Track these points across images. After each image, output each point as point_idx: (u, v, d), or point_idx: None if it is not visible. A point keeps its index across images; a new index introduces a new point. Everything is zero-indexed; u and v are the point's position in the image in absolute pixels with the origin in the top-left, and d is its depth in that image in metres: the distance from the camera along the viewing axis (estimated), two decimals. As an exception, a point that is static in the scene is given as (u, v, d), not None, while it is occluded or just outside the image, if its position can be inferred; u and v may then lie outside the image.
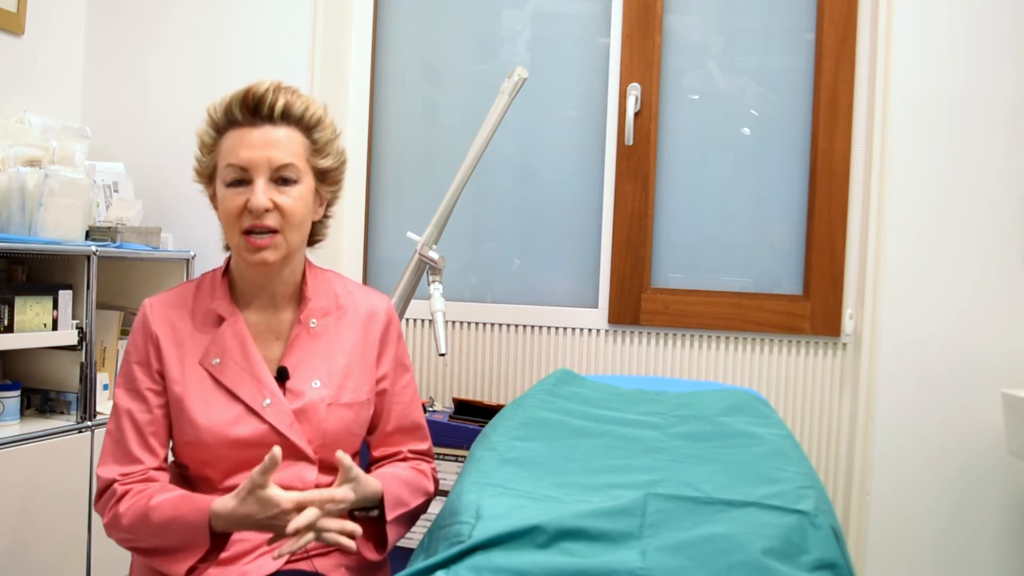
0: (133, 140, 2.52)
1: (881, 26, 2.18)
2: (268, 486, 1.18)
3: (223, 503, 1.21)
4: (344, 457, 1.25)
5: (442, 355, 1.86)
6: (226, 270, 1.39)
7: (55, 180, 1.99)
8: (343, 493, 1.24)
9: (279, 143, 1.28)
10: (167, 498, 1.24)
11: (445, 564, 1.04)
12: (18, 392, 1.97)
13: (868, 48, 2.26)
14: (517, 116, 2.45)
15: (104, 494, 1.30)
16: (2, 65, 2.27)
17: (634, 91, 2.37)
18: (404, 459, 1.46)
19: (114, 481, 1.29)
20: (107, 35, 2.54)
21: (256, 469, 1.18)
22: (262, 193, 1.25)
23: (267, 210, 1.26)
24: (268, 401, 1.30)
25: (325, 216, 1.42)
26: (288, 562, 1.28)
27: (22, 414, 1.99)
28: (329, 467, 1.34)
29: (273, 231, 1.27)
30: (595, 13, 2.49)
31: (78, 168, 2.11)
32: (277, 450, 1.17)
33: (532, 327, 2.47)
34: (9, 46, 2.29)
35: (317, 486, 1.32)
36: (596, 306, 2.46)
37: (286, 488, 1.27)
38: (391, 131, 2.64)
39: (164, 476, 1.32)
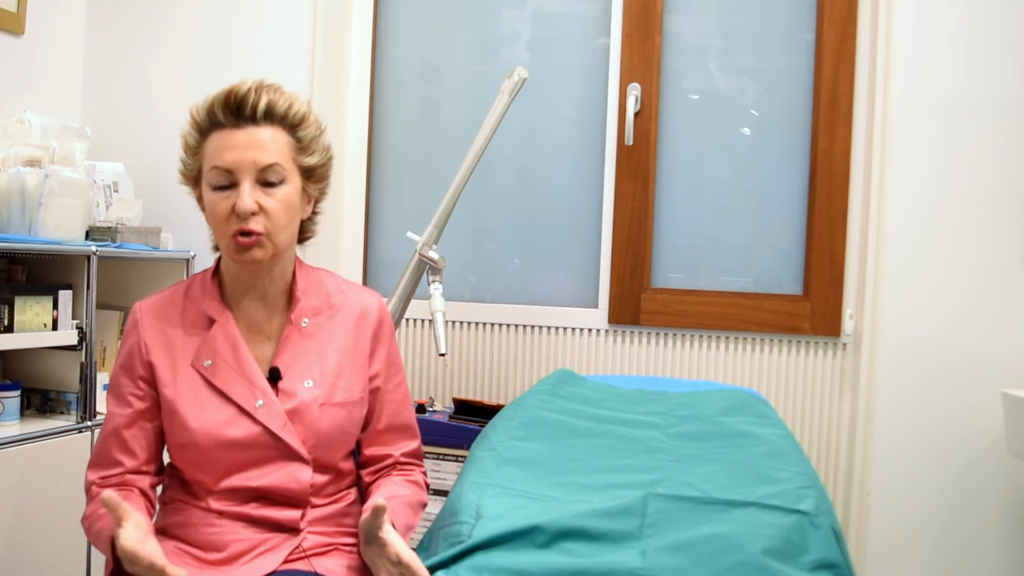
0: (133, 140, 2.52)
1: (881, 26, 2.18)
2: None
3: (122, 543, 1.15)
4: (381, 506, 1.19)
5: (442, 355, 1.86)
6: (215, 271, 1.39)
7: (55, 180, 1.99)
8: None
9: (263, 143, 1.27)
10: (104, 513, 1.23)
11: (445, 564, 1.04)
12: (18, 392, 1.96)
13: (868, 48, 2.26)
14: (517, 116, 2.45)
15: (87, 497, 1.34)
16: (2, 65, 2.27)
17: (634, 91, 2.37)
18: (396, 464, 1.44)
19: (92, 484, 1.32)
20: (107, 35, 2.54)
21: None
22: (248, 196, 1.25)
23: (253, 213, 1.25)
24: (260, 402, 1.30)
25: (314, 213, 1.41)
26: (286, 561, 1.28)
27: (22, 414, 1.99)
28: (323, 466, 1.34)
29: (259, 234, 1.27)
30: (595, 13, 2.49)
31: (78, 168, 2.11)
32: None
33: (532, 327, 2.47)
34: (9, 46, 2.29)
35: (312, 486, 1.31)
36: (596, 306, 2.46)
37: (281, 491, 1.29)
38: (391, 131, 2.64)
39: (143, 480, 1.33)
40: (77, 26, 2.53)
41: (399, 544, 1.17)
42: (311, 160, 1.33)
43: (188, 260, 2.37)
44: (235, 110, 1.27)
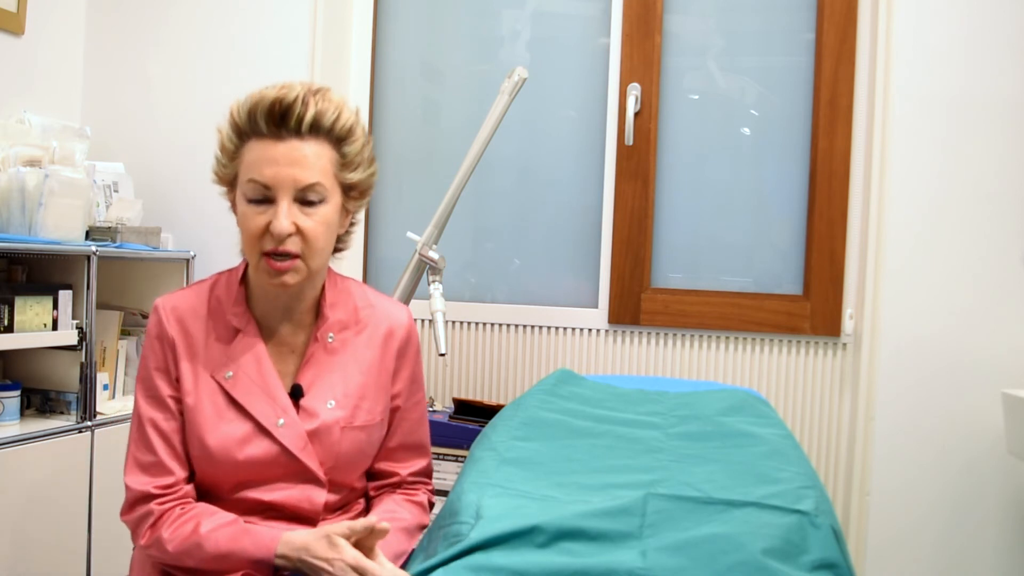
0: (133, 140, 2.52)
1: (881, 26, 2.18)
2: (341, 535, 1.15)
3: (291, 536, 1.18)
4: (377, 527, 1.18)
5: (442, 355, 1.86)
6: (242, 275, 1.33)
7: (55, 180, 1.99)
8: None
9: (306, 160, 1.20)
10: (220, 526, 1.21)
11: (444, 564, 1.04)
12: (18, 392, 1.97)
13: (868, 48, 2.26)
14: (517, 116, 2.45)
15: (136, 508, 1.25)
16: (2, 65, 2.27)
17: (634, 91, 2.37)
18: (401, 483, 1.41)
19: (149, 496, 1.24)
20: (107, 35, 2.54)
21: (349, 525, 1.15)
22: (285, 217, 1.18)
23: (289, 235, 1.20)
24: (282, 421, 1.26)
25: (351, 225, 1.36)
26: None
27: (22, 414, 1.99)
28: (337, 487, 1.31)
29: (294, 256, 1.21)
30: (595, 13, 2.49)
31: (78, 168, 2.11)
32: (384, 525, 1.15)
33: (532, 327, 2.47)
34: (9, 46, 2.29)
35: (326, 505, 1.29)
36: (596, 306, 2.46)
37: (292, 508, 1.27)
38: (391, 131, 2.64)
39: (192, 490, 1.28)
40: (77, 26, 2.53)
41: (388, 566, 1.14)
42: (354, 176, 1.27)
43: (188, 260, 2.37)
44: (279, 120, 1.19)
